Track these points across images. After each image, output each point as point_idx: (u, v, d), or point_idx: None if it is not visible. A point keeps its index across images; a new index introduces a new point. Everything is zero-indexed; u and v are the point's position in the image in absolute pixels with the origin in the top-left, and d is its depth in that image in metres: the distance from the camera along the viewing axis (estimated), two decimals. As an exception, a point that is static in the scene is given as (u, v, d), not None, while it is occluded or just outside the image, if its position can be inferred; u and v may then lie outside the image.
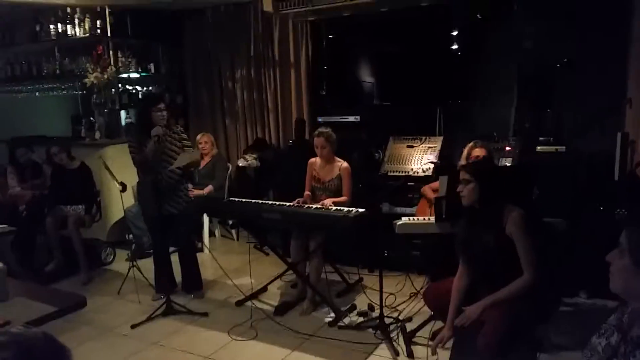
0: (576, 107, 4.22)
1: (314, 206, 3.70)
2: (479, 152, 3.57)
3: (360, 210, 3.48)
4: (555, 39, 4.30)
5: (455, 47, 4.63)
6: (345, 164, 3.98)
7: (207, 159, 5.42)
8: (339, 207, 3.61)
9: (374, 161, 4.60)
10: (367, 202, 3.64)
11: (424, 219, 3.36)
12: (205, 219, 5.32)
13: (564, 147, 3.79)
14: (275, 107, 5.78)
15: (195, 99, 6.39)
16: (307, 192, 4.03)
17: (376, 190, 4.30)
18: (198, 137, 5.52)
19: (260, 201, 3.95)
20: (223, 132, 6.27)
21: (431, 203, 3.78)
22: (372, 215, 3.50)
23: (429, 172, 4.24)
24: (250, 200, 3.95)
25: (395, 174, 4.45)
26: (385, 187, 4.35)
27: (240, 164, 5.54)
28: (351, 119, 4.79)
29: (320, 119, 4.90)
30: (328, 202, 3.75)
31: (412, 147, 4.56)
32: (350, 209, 3.52)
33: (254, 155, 5.52)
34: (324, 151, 3.94)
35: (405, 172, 4.41)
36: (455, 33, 4.62)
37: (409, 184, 4.26)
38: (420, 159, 4.46)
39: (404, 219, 3.32)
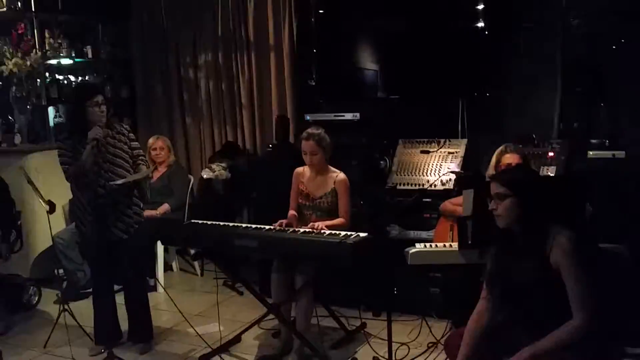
0: (637, 101, 4.23)
1: (302, 230, 3.70)
2: (510, 158, 3.63)
3: (362, 235, 3.48)
4: (611, 15, 4.27)
5: (481, 24, 4.63)
6: (341, 176, 4.00)
7: (161, 170, 5.40)
8: (333, 232, 3.61)
9: (379, 171, 4.62)
10: (371, 225, 3.63)
11: (444, 245, 3.39)
12: (160, 247, 5.26)
13: (622, 152, 3.82)
14: (250, 102, 5.76)
15: (146, 92, 6.37)
16: (292, 212, 4.03)
17: (382, 208, 4.32)
18: (150, 141, 5.47)
19: (232, 224, 3.94)
20: (182, 134, 6.24)
21: (453, 224, 3.82)
22: (376, 241, 3.51)
23: (450, 185, 4.28)
24: (218, 222, 3.94)
25: (406, 187, 4.48)
26: (394, 204, 4.35)
27: (204, 176, 5.51)
28: (349, 116, 4.77)
29: (308, 117, 4.89)
30: (320, 224, 3.75)
31: (427, 152, 4.59)
32: (349, 233, 3.52)
33: (222, 165, 5.49)
34: (314, 159, 3.95)
35: (419, 184, 4.44)
36: (481, 7, 4.62)
37: (424, 200, 4.26)
38: (439, 167, 4.50)
39: (419, 246, 3.35)
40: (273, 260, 3.95)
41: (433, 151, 4.59)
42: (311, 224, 3.81)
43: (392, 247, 3.59)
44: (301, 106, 5.49)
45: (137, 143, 4.12)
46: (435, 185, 4.36)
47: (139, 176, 4.01)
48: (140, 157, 4.10)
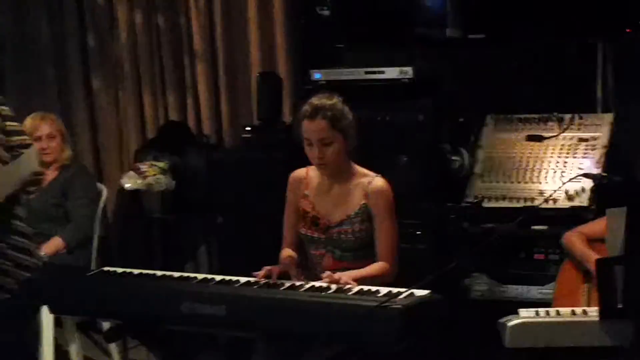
0: None
1: (308, 285, 3.65)
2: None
3: (419, 293, 3.42)
4: None
5: None
6: (378, 182, 4.00)
7: (50, 175, 5.41)
8: (366, 288, 3.56)
9: (450, 175, 4.69)
10: (436, 274, 3.55)
11: (573, 312, 3.44)
12: (46, 319, 5.19)
13: None
14: (209, 47, 5.87)
15: (18, 31, 6.47)
16: (287, 252, 4.04)
17: (456, 243, 4.45)
18: (27, 123, 5.40)
19: (178, 274, 3.94)
20: (86, 109, 6.36)
21: (587, 272, 3.85)
22: (447, 305, 3.50)
23: (583, 200, 4.33)
24: (152, 272, 3.97)
25: (500, 204, 4.51)
26: (479, 235, 4.40)
27: (127, 186, 5.61)
28: (393, 73, 4.78)
29: (317, 75, 4.91)
30: (343, 276, 3.69)
31: (540, 138, 4.61)
32: (395, 290, 3.45)
33: (159, 165, 5.58)
34: (327, 152, 3.94)
35: (524, 199, 4.47)
36: None
37: (534, 228, 4.31)
38: (561, 167, 4.56)
39: (525, 314, 3.37)
40: (255, 342, 3.83)
41: (551, 136, 4.61)
42: (327, 273, 3.73)
43: (475, 315, 3.89)
44: (304, 56, 5.53)
45: (15, 124, 4.22)
46: (555, 201, 4.35)
47: (17, 166, 4.07)
48: (24, 147, 4.19)
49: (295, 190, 4.08)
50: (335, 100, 3.94)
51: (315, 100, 3.94)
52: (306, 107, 3.94)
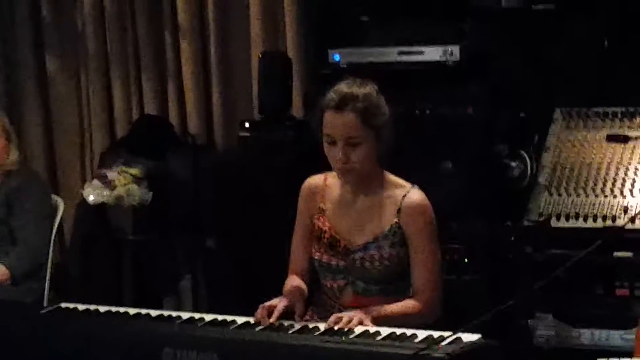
0: None
1: (323, 327, 3.58)
2: None
3: (467, 338, 3.34)
4: None
5: None
6: (414, 196, 3.88)
7: None
8: (398, 332, 3.48)
9: (508, 185, 4.72)
10: (489, 313, 3.50)
11: None
12: None
13: None
14: (197, 20, 5.85)
15: None
16: (293, 281, 3.93)
17: (516, 274, 4.51)
18: None
19: (156, 312, 3.89)
20: (39, 100, 6.34)
21: None
22: (502, 352, 3.52)
23: None
24: (123, 309, 3.94)
25: (571, 222, 4.47)
26: (544, 264, 4.40)
27: (90, 198, 5.65)
28: (434, 54, 4.79)
29: (336, 56, 4.95)
30: (358, 316, 3.59)
31: (623, 139, 4.60)
32: (437, 334, 3.40)
33: (132, 171, 5.64)
34: (353, 155, 3.80)
35: (604, 216, 4.43)
36: None
37: (616, 255, 4.30)
38: None
39: None
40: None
41: (638, 136, 4.59)
42: (344, 315, 3.59)
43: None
44: (321, 31, 5.50)
45: None
46: (645, 221, 4.17)
47: None
48: None
49: (308, 203, 3.94)
50: (370, 89, 3.80)
51: (344, 87, 3.79)
52: (332, 95, 3.78)
